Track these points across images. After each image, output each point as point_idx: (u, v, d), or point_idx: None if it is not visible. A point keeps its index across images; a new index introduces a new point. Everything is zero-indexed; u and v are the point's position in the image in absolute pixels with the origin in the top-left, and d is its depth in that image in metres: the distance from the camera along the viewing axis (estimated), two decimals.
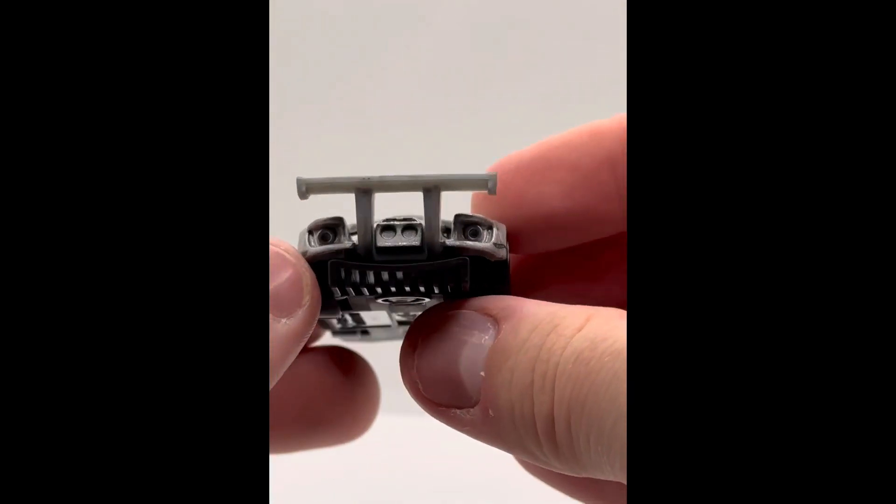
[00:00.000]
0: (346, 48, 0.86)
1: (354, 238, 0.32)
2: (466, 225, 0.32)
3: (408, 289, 0.32)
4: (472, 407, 0.33)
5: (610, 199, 0.38)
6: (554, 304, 0.33)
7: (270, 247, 0.33)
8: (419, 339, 0.34)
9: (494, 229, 0.32)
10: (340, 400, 0.42)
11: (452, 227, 0.32)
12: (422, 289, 0.32)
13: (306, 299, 0.33)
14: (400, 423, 0.44)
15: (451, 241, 0.32)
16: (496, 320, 0.33)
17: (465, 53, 0.85)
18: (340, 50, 0.86)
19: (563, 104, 0.86)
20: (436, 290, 0.33)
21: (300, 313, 0.33)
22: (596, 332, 0.31)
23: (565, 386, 0.31)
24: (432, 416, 0.35)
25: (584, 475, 0.32)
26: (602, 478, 0.31)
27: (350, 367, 0.42)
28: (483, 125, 0.86)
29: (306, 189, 0.31)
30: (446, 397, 0.34)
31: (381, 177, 0.30)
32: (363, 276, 0.32)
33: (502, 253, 0.33)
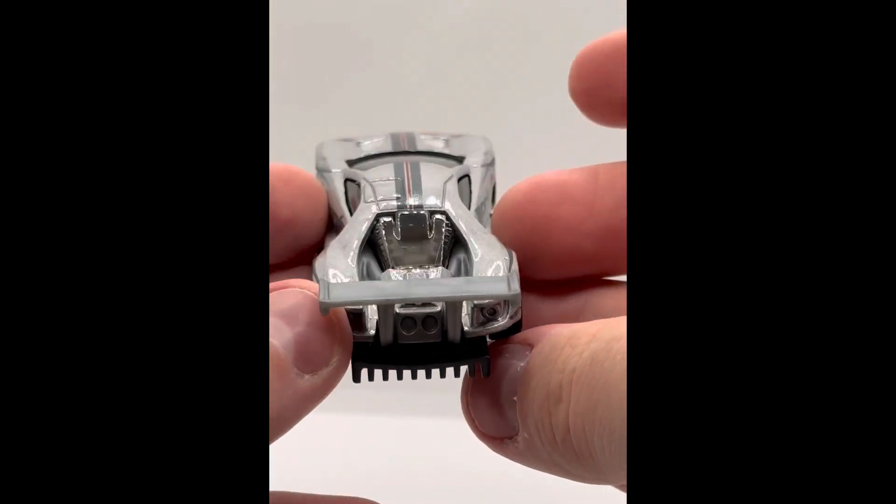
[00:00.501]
0: (345, 47, 0.86)
1: (374, 326, 0.31)
2: (483, 307, 0.32)
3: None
4: (517, 434, 0.32)
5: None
6: (578, 323, 0.32)
7: (294, 289, 0.32)
8: (471, 377, 0.33)
9: (510, 306, 0.32)
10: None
11: (470, 312, 0.32)
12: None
13: (335, 360, 0.32)
14: (400, 424, 0.44)
15: (470, 329, 0.32)
16: (531, 346, 0.32)
17: (466, 53, 0.85)
18: (340, 49, 0.86)
19: (563, 105, 0.86)
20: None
21: (325, 372, 0.31)
22: (610, 332, 0.30)
23: (580, 392, 0.30)
24: (494, 450, 0.34)
25: (610, 484, 0.31)
26: (622, 484, 0.30)
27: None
28: (483, 124, 0.86)
29: (328, 308, 0.30)
30: (496, 429, 0.33)
31: (404, 294, 0.31)
32: (385, 373, 0.32)
33: (518, 316, 0.32)
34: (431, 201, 0.35)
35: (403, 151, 0.39)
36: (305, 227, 0.38)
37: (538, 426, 0.31)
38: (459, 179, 0.37)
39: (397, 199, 0.35)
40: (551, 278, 0.38)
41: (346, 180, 0.37)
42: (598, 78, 0.37)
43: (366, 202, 0.35)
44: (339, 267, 0.33)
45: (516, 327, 0.33)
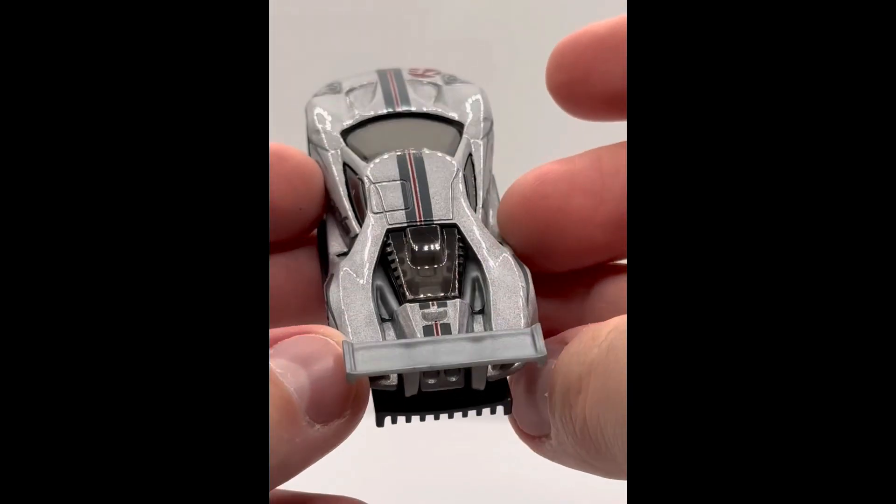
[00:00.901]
0: (345, 47, 0.86)
1: (396, 377, 0.31)
2: None
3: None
4: (551, 431, 0.32)
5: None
6: (607, 320, 0.31)
7: (323, 338, 0.31)
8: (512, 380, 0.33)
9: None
10: None
11: None
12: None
13: (348, 413, 0.31)
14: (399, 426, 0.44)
15: (492, 374, 0.31)
16: (565, 343, 0.32)
17: (465, 53, 0.85)
18: (340, 48, 0.86)
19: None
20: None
21: (336, 424, 0.31)
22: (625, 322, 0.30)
23: (597, 382, 0.29)
24: (534, 450, 0.33)
25: (617, 477, 0.31)
26: None
27: None
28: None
29: (355, 379, 0.30)
30: (532, 427, 0.33)
31: (431, 363, 0.30)
32: (409, 418, 0.32)
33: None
34: (440, 210, 0.35)
35: (397, 114, 0.38)
36: (300, 212, 0.37)
37: (562, 419, 0.31)
38: (464, 168, 0.36)
39: (405, 210, 0.35)
40: (563, 270, 0.37)
41: (345, 165, 0.37)
42: (578, 70, 0.37)
43: (373, 213, 0.35)
44: (356, 311, 0.33)
45: None
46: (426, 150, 0.36)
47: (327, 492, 0.36)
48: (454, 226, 0.34)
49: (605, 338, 0.30)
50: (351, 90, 0.40)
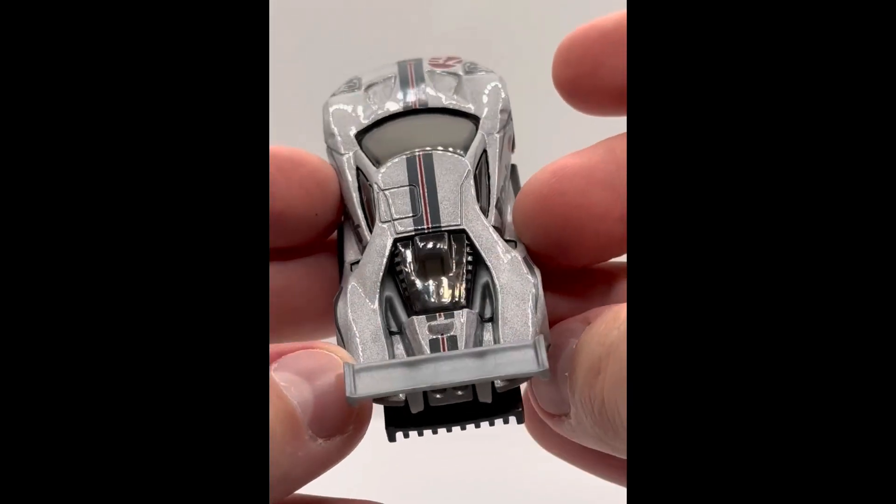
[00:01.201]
0: (344, 46, 0.85)
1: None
2: None
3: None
4: (570, 411, 0.32)
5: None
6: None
7: (328, 354, 0.31)
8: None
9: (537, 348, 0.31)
10: None
11: None
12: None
13: (350, 428, 0.31)
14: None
15: (501, 386, 0.31)
16: (588, 322, 0.32)
17: (466, 46, 0.85)
18: (339, 47, 0.86)
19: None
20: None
21: (339, 439, 0.31)
22: None
23: (616, 363, 0.29)
24: (557, 430, 0.33)
25: (621, 454, 0.30)
26: None
27: None
28: None
29: (356, 402, 0.30)
30: (552, 406, 0.33)
31: (432, 382, 0.30)
32: (420, 432, 0.32)
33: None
34: (449, 215, 0.34)
35: (414, 110, 0.38)
36: (316, 218, 0.36)
37: (582, 399, 0.30)
38: (477, 166, 0.36)
39: (413, 217, 0.34)
40: (581, 265, 0.37)
41: (358, 170, 0.36)
42: (585, 65, 0.36)
43: (381, 221, 0.34)
44: (363, 327, 0.32)
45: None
46: (438, 150, 0.36)
47: (341, 494, 0.35)
48: (463, 231, 0.34)
49: (624, 320, 0.29)
50: (370, 86, 0.39)
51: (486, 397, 0.31)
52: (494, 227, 0.34)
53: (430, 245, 0.33)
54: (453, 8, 0.85)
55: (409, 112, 0.38)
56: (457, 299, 0.33)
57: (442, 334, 0.32)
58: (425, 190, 0.35)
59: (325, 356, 0.31)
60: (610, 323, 0.30)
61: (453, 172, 0.35)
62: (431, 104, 0.38)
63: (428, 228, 0.34)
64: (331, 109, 0.39)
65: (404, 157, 0.36)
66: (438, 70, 0.39)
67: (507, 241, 0.35)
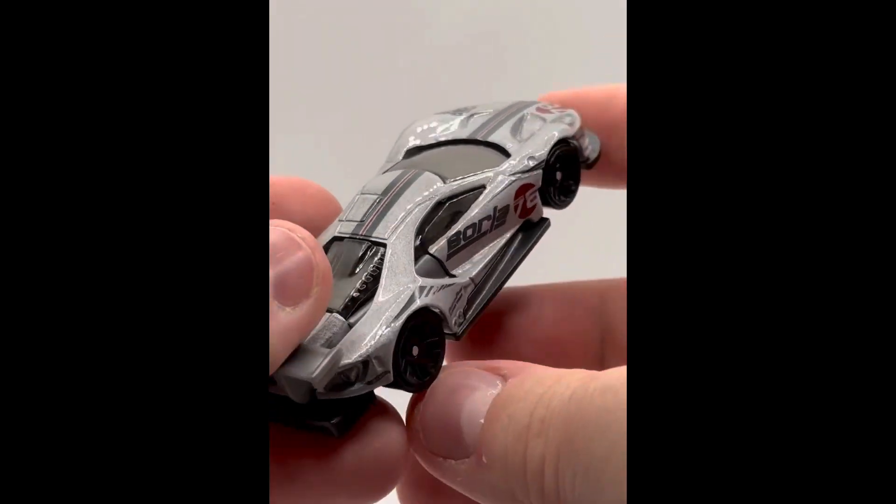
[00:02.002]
0: (343, 46, 0.85)
1: None
2: (341, 373, 0.33)
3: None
4: (468, 457, 0.33)
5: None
6: (562, 369, 0.33)
7: (277, 228, 0.32)
8: (426, 392, 0.34)
9: (366, 375, 0.33)
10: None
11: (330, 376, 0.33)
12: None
13: (315, 290, 0.32)
14: None
15: (322, 392, 0.33)
16: (504, 378, 0.33)
17: (463, 53, 0.85)
18: (338, 47, 0.86)
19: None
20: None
21: (306, 304, 0.32)
22: (592, 375, 0.31)
23: (559, 427, 0.30)
24: (428, 468, 0.34)
25: None
26: None
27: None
28: None
29: None
30: (445, 448, 0.33)
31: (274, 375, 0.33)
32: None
33: (388, 380, 0.33)
34: (383, 229, 0.36)
35: (471, 140, 0.40)
36: (319, 231, 0.38)
37: (507, 456, 0.32)
38: (457, 196, 0.37)
39: (356, 223, 0.36)
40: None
41: None
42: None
43: (339, 219, 0.37)
44: None
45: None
46: (429, 173, 0.37)
47: None
48: (384, 245, 0.35)
49: (567, 387, 0.31)
50: (473, 115, 0.41)
51: (297, 397, 0.33)
52: (432, 255, 0.36)
53: (347, 250, 0.36)
54: (455, 9, 0.85)
55: (461, 141, 0.40)
56: (335, 302, 0.34)
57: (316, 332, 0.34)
58: (386, 202, 0.37)
59: (279, 232, 0.32)
60: (554, 387, 0.31)
61: (420, 194, 0.37)
62: (480, 137, 0.40)
63: (360, 235, 0.36)
64: (411, 125, 0.41)
65: (398, 170, 0.38)
66: (538, 114, 0.41)
67: (450, 282, 0.36)
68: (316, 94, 0.86)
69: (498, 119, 0.40)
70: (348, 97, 0.86)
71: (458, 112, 0.42)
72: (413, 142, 0.41)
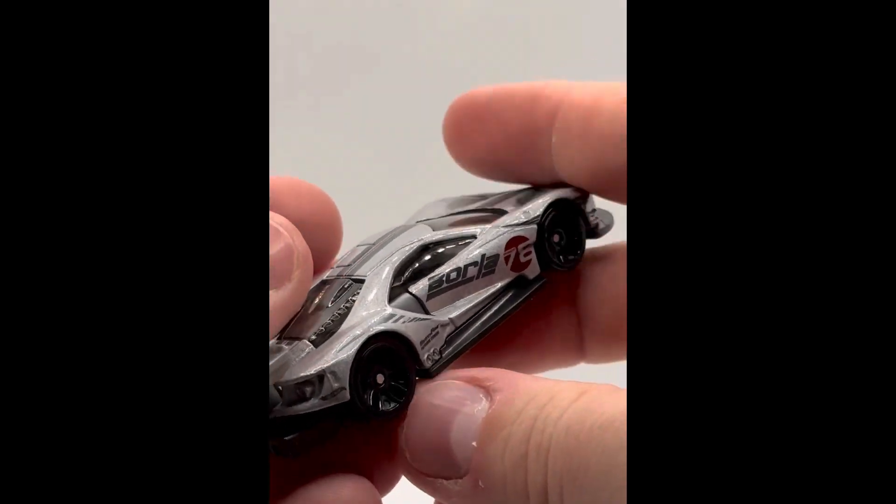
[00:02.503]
0: (342, 47, 0.85)
1: None
2: (296, 389, 0.34)
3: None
4: (461, 478, 0.33)
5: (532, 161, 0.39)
6: (546, 379, 0.33)
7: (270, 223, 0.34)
8: (409, 408, 0.34)
9: (320, 391, 0.34)
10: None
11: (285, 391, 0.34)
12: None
13: (296, 273, 0.34)
14: None
15: (278, 409, 0.34)
16: (488, 391, 0.33)
17: (462, 54, 0.85)
18: (338, 47, 0.86)
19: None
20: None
21: (289, 286, 0.34)
22: (588, 404, 0.31)
23: (558, 457, 0.30)
24: (418, 486, 0.34)
25: None
26: None
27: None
28: None
29: None
30: (434, 468, 0.33)
31: None
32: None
33: (343, 398, 0.34)
34: (366, 268, 0.37)
35: (475, 209, 0.40)
36: (314, 230, 0.38)
37: (507, 482, 0.32)
38: (444, 243, 0.38)
39: (347, 265, 0.38)
40: None
41: None
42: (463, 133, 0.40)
43: (332, 267, 0.39)
44: None
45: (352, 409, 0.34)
46: (423, 224, 0.39)
47: None
48: (362, 281, 0.37)
49: (564, 412, 0.31)
50: (484, 196, 0.42)
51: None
52: (411, 293, 0.37)
53: (326, 288, 0.37)
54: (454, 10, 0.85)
55: (464, 211, 0.41)
56: (307, 333, 0.36)
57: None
58: (375, 248, 0.38)
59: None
60: (549, 411, 0.31)
61: (407, 239, 0.38)
62: (482, 206, 0.41)
63: (343, 275, 0.37)
64: (428, 204, 0.42)
65: (403, 225, 0.39)
66: (549, 189, 0.41)
67: (426, 317, 0.36)
68: (315, 95, 0.86)
69: (508, 194, 0.41)
70: (347, 98, 0.86)
71: (473, 197, 0.42)
72: (421, 216, 0.41)
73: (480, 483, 0.32)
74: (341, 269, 0.38)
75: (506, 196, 0.41)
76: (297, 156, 0.79)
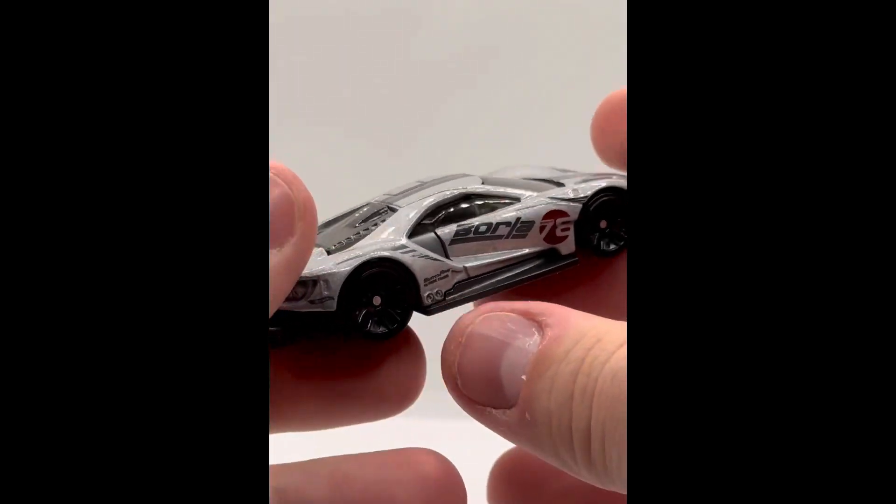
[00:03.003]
0: (341, 48, 0.86)
1: None
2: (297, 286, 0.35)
3: None
4: (509, 409, 0.33)
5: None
6: (597, 317, 0.33)
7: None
8: (463, 336, 0.34)
9: (311, 293, 0.35)
10: (385, 373, 0.40)
11: None
12: None
13: (299, 226, 0.32)
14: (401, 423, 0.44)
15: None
16: (541, 326, 0.33)
17: (460, 55, 0.85)
18: (337, 48, 0.86)
19: (560, 104, 0.86)
20: None
21: (292, 242, 0.32)
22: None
23: (603, 403, 0.31)
24: (469, 413, 0.35)
25: (610, 488, 0.32)
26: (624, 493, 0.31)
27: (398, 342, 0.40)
28: (474, 126, 0.86)
29: None
30: (485, 397, 0.34)
31: None
32: None
33: (329, 308, 0.35)
34: (404, 202, 0.38)
35: (543, 178, 0.41)
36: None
37: (552, 420, 0.32)
38: (480, 197, 0.39)
39: (393, 195, 0.39)
40: None
41: None
42: (618, 135, 0.40)
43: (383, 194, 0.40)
44: None
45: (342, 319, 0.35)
46: (476, 176, 0.40)
47: None
48: (395, 210, 0.38)
49: (611, 356, 0.31)
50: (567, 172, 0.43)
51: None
52: (437, 234, 0.38)
53: (366, 210, 0.39)
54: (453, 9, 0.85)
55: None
56: (329, 243, 0.37)
57: None
58: (423, 186, 0.39)
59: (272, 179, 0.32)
60: (596, 354, 0.31)
61: (455, 185, 0.39)
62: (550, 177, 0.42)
63: (383, 202, 0.39)
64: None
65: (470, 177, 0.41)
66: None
67: (438, 258, 0.37)
68: (315, 95, 0.86)
69: (584, 174, 0.41)
70: (348, 98, 0.86)
71: (555, 169, 0.43)
72: (495, 174, 0.42)
73: (527, 416, 0.32)
74: (387, 196, 0.38)
75: (581, 175, 0.41)
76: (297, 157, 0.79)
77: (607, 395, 0.30)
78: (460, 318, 0.35)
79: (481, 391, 0.34)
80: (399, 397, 0.40)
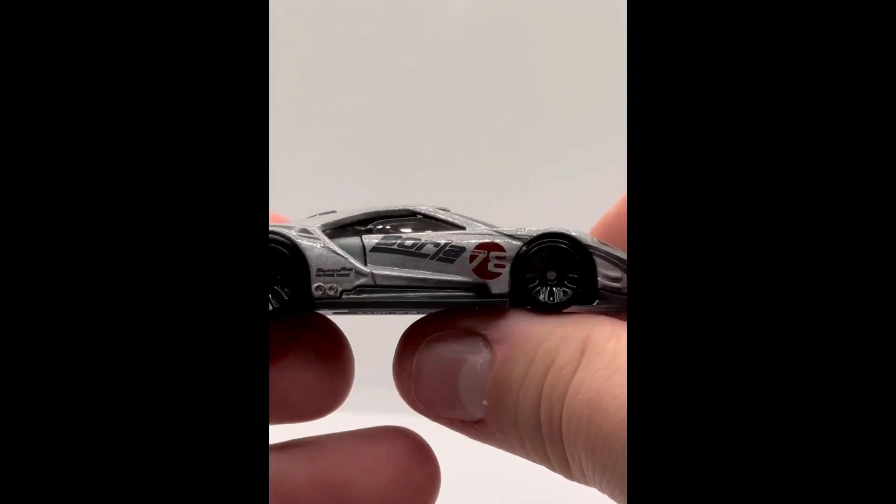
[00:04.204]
0: (341, 51, 0.85)
1: None
2: None
3: None
4: (476, 423, 0.33)
5: None
6: (544, 322, 0.33)
7: None
8: (412, 360, 0.34)
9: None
10: (317, 380, 0.39)
11: None
12: None
13: None
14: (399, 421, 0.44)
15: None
16: (487, 341, 0.33)
17: (459, 57, 0.85)
18: (337, 51, 0.85)
19: (560, 104, 0.86)
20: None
21: None
22: (591, 363, 0.31)
23: (578, 432, 0.30)
24: (428, 418, 0.35)
25: (576, 482, 0.32)
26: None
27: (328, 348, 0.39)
28: (472, 128, 0.86)
29: None
30: (450, 416, 0.34)
31: None
32: None
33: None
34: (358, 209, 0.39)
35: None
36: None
37: (525, 442, 0.32)
38: (426, 217, 0.38)
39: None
40: None
41: None
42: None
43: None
44: None
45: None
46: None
47: None
48: (335, 212, 0.38)
49: (570, 381, 0.31)
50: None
51: None
52: (360, 238, 0.37)
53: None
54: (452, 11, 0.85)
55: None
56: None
57: None
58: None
59: None
60: (554, 382, 0.31)
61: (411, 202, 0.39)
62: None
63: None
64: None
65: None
66: None
67: (343, 254, 0.36)
68: (314, 96, 0.86)
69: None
70: (347, 99, 0.86)
71: None
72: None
73: (498, 435, 0.33)
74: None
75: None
76: (296, 158, 0.79)
77: (579, 421, 0.30)
78: (406, 329, 0.35)
79: (445, 412, 0.34)
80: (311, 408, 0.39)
